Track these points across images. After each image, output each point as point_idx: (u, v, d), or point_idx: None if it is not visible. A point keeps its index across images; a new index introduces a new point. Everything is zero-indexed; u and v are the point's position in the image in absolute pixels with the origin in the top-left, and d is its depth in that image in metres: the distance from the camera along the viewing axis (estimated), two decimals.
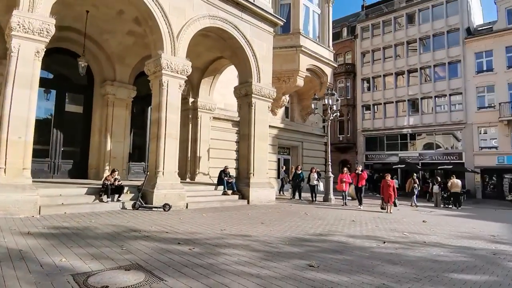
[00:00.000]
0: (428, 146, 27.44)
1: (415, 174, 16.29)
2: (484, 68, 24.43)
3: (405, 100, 28.58)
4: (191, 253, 4.47)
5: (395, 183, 23.43)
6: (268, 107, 13.16)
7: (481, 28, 27.29)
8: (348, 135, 31.97)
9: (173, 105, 9.39)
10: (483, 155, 23.65)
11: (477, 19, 31.24)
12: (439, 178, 16.19)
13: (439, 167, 23.37)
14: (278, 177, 18.86)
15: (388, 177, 11.12)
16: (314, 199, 13.23)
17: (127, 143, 13.61)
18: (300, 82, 18.43)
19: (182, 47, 9.80)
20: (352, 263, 4.41)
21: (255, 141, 12.31)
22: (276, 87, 18.91)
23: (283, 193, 16.15)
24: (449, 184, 15.31)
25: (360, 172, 12.38)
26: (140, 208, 8.54)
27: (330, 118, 14.93)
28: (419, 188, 16.59)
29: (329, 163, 14.76)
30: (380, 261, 4.58)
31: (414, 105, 28.37)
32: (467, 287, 3.70)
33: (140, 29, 10.61)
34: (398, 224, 8.49)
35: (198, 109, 14.71)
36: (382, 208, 11.36)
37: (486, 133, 24.07)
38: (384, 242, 5.95)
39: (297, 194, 13.77)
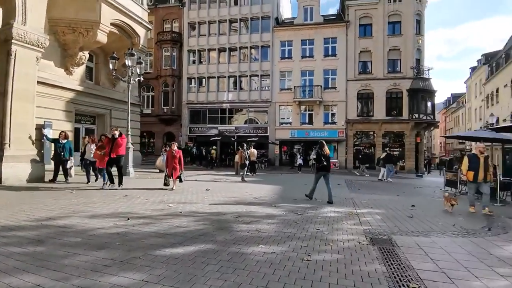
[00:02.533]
0: (245, 120, 30.06)
1: (245, 145, 15.97)
2: (286, 56, 28.52)
3: (225, 77, 29.98)
4: None
5: (214, 154, 24.82)
6: (37, 58, 10.08)
7: (287, 21, 31.57)
8: (173, 107, 30.96)
9: None
10: (282, 129, 28.04)
11: (287, 12, 36.09)
12: (240, 148, 17.54)
13: (248, 139, 25.93)
14: (77, 150, 15.70)
15: (175, 146, 9.26)
16: (88, 177, 9.92)
17: None
18: (102, 37, 15.53)
19: None
20: (34, 257, 3.17)
21: (13, 101, 9.27)
22: (72, 39, 15.37)
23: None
24: (248, 153, 16.89)
25: (116, 137, 8.74)
26: None
27: (131, 82, 13.20)
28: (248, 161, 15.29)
29: (129, 132, 13.18)
30: (82, 248, 3.57)
31: (234, 82, 30.21)
32: (167, 263, 3.16)
33: None
34: (177, 195, 8.04)
35: None
36: (165, 184, 9.26)
37: (285, 111, 28.54)
38: (128, 219, 5.10)
39: (76, 172, 10.78)
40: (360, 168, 22.55)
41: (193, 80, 31.01)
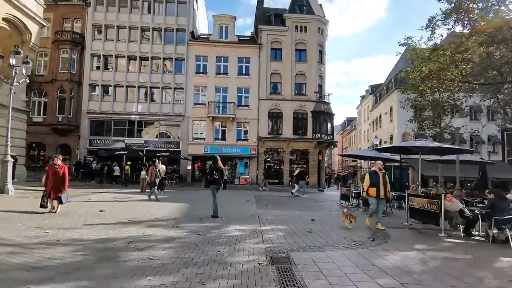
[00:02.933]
0: (156, 134, 28.32)
1: (157, 161, 14.36)
2: (201, 70, 28.32)
3: (135, 87, 27.98)
4: None
5: (117, 171, 22.36)
6: None
7: (203, 36, 31.61)
8: (70, 116, 27.12)
9: None
10: (195, 144, 27.39)
11: (203, 28, 36.23)
12: (147, 164, 16.34)
13: (157, 154, 24.40)
14: None
15: (58, 160, 7.77)
16: None
17: None
18: None
19: None
20: None
21: None
22: None
23: None
24: (159, 170, 15.73)
25: None
26: None
27: (14, 84, 11.03)
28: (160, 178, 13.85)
29: (8, 143, 10.91)
30: None
31: (144, 93, 28.36)
32: None
33: None
34: (60, 219, 6.78)
35: None
36: (41, 206, 7.61)
37: (198, 126, 28.04)
38: None
39: None
40: (263, 182, 23.07)
41: (96, 88, 27.99)
